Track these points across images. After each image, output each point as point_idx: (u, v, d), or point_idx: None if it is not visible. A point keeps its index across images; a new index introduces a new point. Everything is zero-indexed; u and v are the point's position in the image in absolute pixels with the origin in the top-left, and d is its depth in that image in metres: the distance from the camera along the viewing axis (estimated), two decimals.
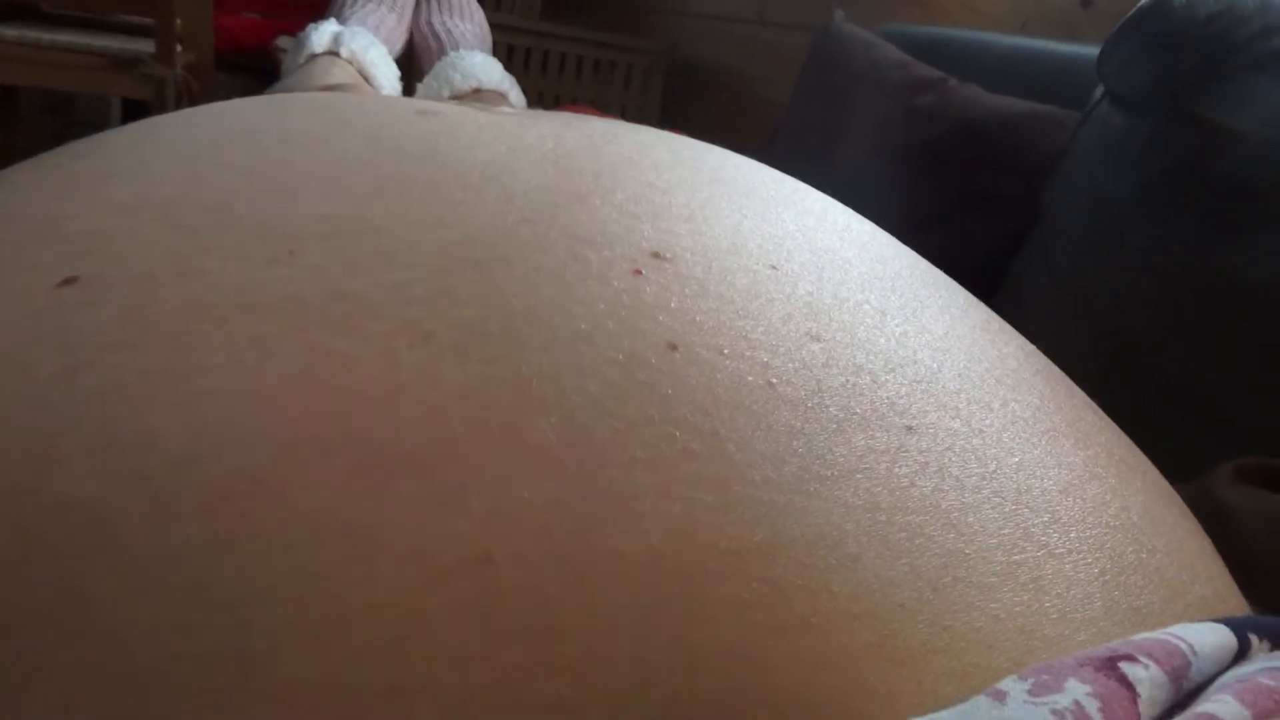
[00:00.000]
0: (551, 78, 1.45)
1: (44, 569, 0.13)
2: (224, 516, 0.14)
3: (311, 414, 0.15)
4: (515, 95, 1.12)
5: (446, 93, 1.05)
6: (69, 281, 0.17)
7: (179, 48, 1.59)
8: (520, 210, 0.20)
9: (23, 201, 0.21)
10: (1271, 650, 0.16)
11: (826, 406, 0.18)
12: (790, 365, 0.18)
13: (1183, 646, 0.15)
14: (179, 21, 1.58)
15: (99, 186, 0.21)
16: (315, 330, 0.16)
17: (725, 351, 0.18)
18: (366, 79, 1.07)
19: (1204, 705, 0.13)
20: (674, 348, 0.17)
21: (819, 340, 0.19)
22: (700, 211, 0.22)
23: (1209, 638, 0.15)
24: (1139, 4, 0.66)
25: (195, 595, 0.13)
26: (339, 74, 1.01)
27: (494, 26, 1.24)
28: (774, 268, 0.21)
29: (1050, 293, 0.68)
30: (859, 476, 0.17)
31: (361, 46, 1.07)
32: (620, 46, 1.40)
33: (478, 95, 1.07)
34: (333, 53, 1.06)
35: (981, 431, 0.19)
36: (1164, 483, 0.25)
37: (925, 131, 0.80)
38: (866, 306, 0.21)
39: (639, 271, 0.19)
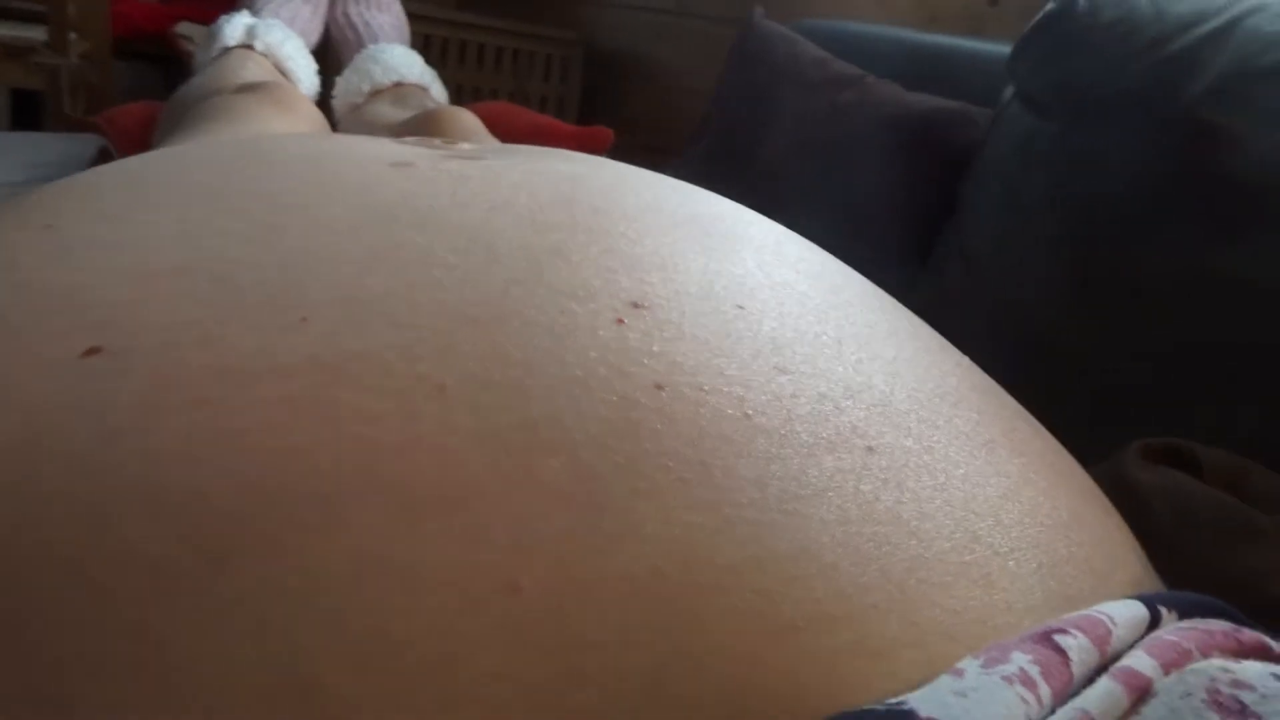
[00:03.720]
0: (470, 69, 1.44)
1: (116, 621, 0.14)
2: (276, 562, 0.15)
3: (345, 465, 0.16)
4: (437, 89, 1.11)
5: (367, 87, 1.04)
6: (94, 351, 0.18)
7: (73, 35, 1.52)
8: (508, 270, 0.21)
9: (27, 269, 0.21)
10: (1179, 620, 0.19)
11: (798, 433, 0.20)
12: (763, 398, 0.20)
13: (1105, 619, 0.17)
14: (72, 7, 1.50)
15: (104, 255, 0.21)
16: (337, 389, 0.17)
17: (705, 388, 0.20)
18: (283, 73, 1.05)
19: (1123, 661, 0.16)
20: (660, 388, 0.19)
21: (786, 373, 0.21)
22: (669, 259, 0.24)
23: (1126, 612, 0.18)
24: (1046, 8, 0.70)
25: (258, 634, 0.14)
26: (254, 69, 0.99)
27: (410, 17, 1.23)
28: (740, 307, 0.23)
29: (967, 283, 0.72)
30: (830, 494, 0.19)
31: (277, 40, 1.04)
32: (538, 36, 1.40)
33: (399, 89, 1.06)
34: (247, 46, 1.03)
35: (931, 448, 0.21)
36: (1088, 481, 0.28)
37: (847, 127, 0.83)
38: (824, 337, 0.23)
39: (621, 320, 0.21)
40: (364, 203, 0.24)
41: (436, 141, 0.35)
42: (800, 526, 0.18)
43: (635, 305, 0.21)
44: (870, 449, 0.20)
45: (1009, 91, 0.74)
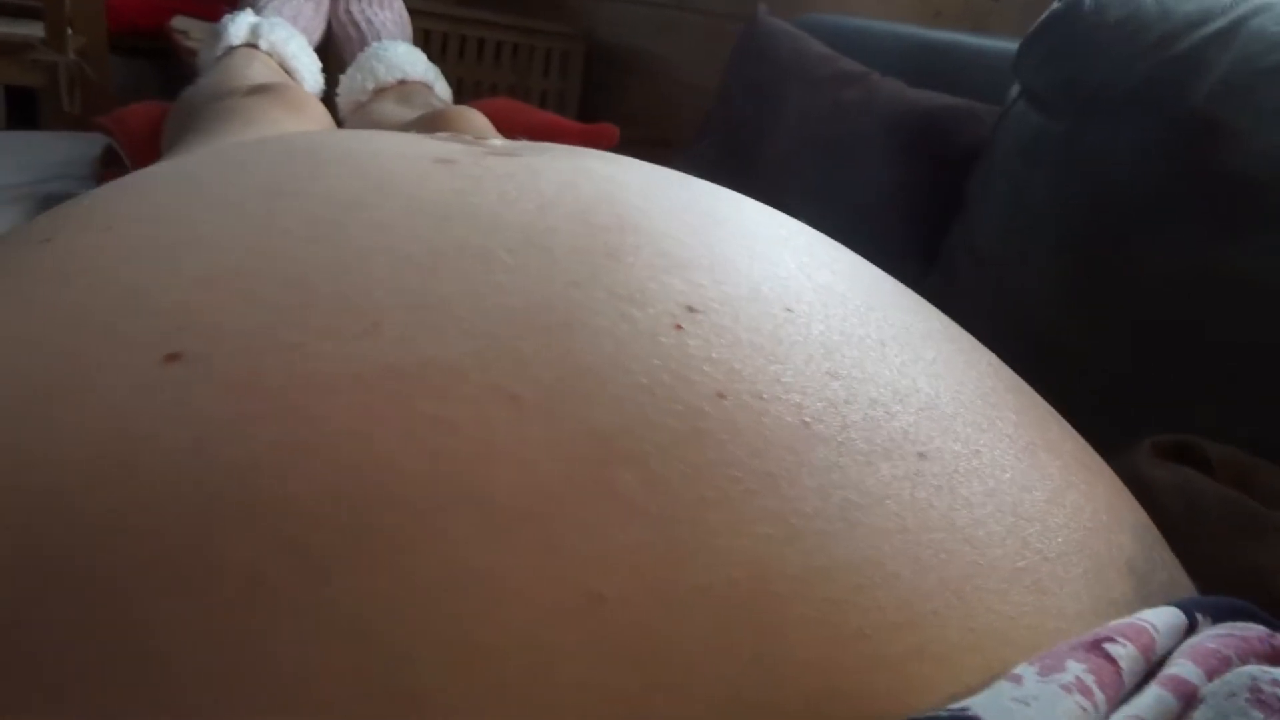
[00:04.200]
0: (470, 63, 1.44)
1: (221, 630, 0.15)
2: (372, 572, 0.15)
3: (428, 476, 0.17)
4: (440, 86, 1.11)
5: (371, 85, 1.04)
6: (174, 357, 0.18)
7: (69, 31, 1.51)
8: (566, 273, 0.22)
9: (95, 271, 0.21)
10: (1214, 624, 0.19)
11: (854, 441, 0.20)
12: (819, 404, 0.20)
13: (1149, 628, 0.18)
14: (68, 2, 1.49)
15: (169, 257, 0.22)
16: (415, 399, 0.18)
17: (764, 396, 0.20)
18: (288, 72, 1.05)
19: (1169, 669, 0.17)
20: (722, 396, 0.20)
21: (838, 378, 0.22)
22: (716, 260, 0.24)
23: (1167, 619, 0.18)
24: (1052, 7, 0.70)
25: (358, 642, 0.15)
26: (259, 68, 0.99)
27: (411, 12, 1.23)
28: (789, 310, 0.23)
29: (975, 280, 0.73)
30: (889, 502, 0.19)
31: (281, 39, 1.04)
32: (539, 31, 1.40)
33: (403, 87, 1.06)
34: (251, 45, 1.03)
35: (978, 452, 0.22)
36: (1116, 480, 0.29)
37: (852, 125, 0.83)
38: (869, 340, 0.24)
39: (679, 326, 0.21)
40: (418, 200, 0.24)
41: (468, 137, 0.35)
42: (863, 536, 0.18)
43: (690, 309, 0.22)
44: (922, 455, 0.21)
45: (1015, 90, 0.74)
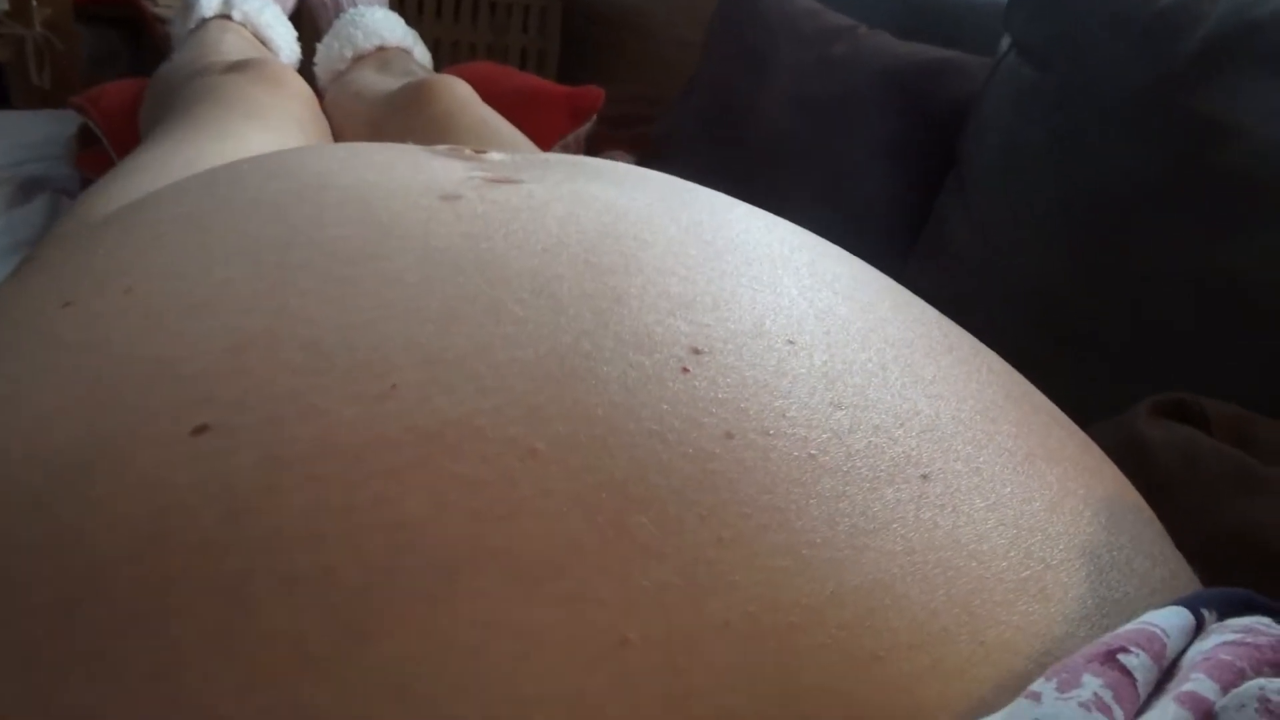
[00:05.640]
0: (447, 24, 1.41)
1: (269, 697, 0.15)
2: (408, 632, 0.16)
3: (457, 536, 0.17)
4: (420, 51, 1.09)
5: (349, 53, 1.02)
6: (202, 430, 0.19)
7: (34, 3, 1.47)
8: (574, 322, 0.22)
9: (121, 342, 0.22)
10: (1220, 619, 0.20)
11: (858, 469, 0.21)
12: (824, 436, 0.21)
13: (1159, 633, 0.18)
14: None
15: (191, 322, 0.22)
16: (439, 460, 0.18)
17: (770, 432, 0.21)
18: (262, 42, 1.03)
19: (1186, 685, 0.17)
20: (730, 436, 0.20)
21: (841, 408, 0.22)
22: (719, 296, 0.25)
23: (1175, 620, 0.19)
24: None
25: (400, 701, 0.15)
26: (234, 41, 0.97)
27: None
28: (791, 342, 0.24)
29: (969, 236, 0.72)
30: (895, 526, 0.20)
31: (254, 9, 1.02)
32: None
33: (382, 54, 1.04)
34: (224, 15, 1.01)
35: (979, 469, 0.23)
36: (1118, 475, 0.30)
37: (841, 81, 0.82)
38: (870, 364, 0.24)
39: (686, 370, 0.22)
40: (425, 248, 0.25)
41: (467, 151, 0.35)
42: (871, 560, 0.19)
43: (696, 351, 0.22)
44: (925, 476, 0.21)
45: (1006, 42, 0.73)
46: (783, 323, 0.24)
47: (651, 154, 0.99)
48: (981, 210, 0.71)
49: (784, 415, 0.21)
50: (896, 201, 0.80)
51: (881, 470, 0.21)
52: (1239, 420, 0.50)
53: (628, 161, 1.02)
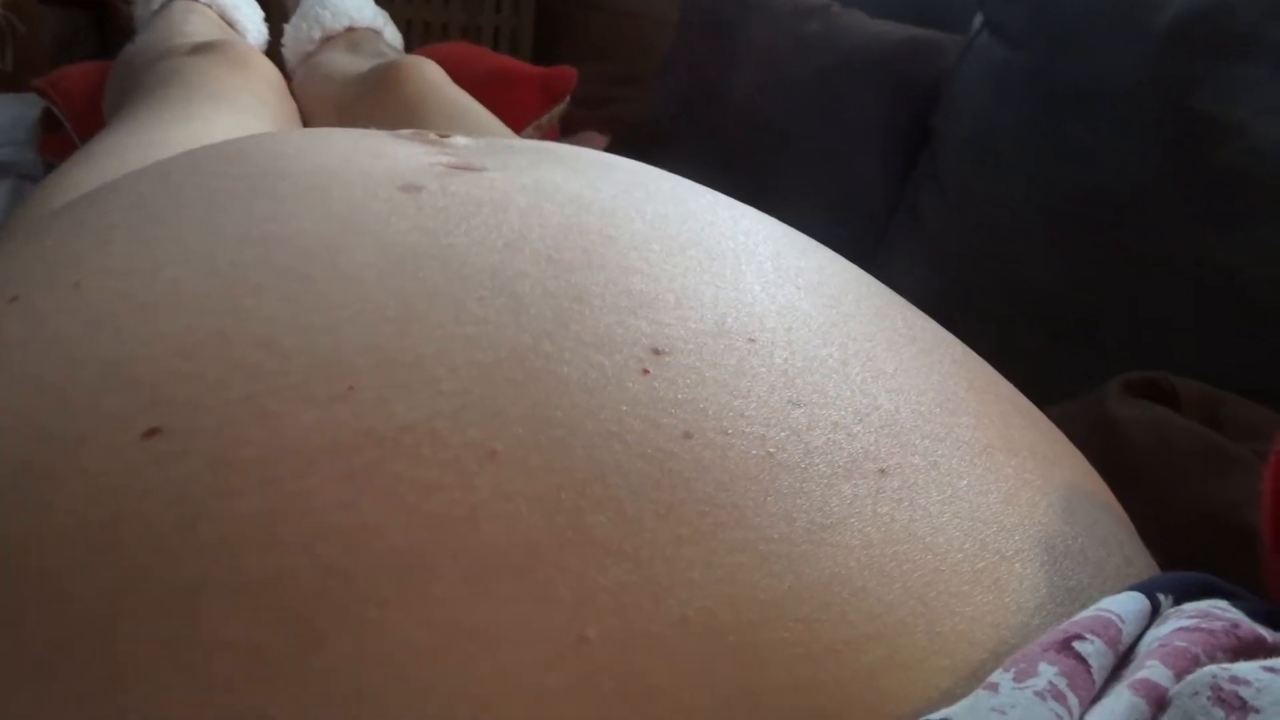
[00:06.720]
0: (418, 4, 1.39)
1: (219, 705, 0.15)
2: (363, 637, 0.16)
3: (414, 539, 0.17)
4: (390, 32, 1.08)
5: (318, 34, 1.00)
6: (154, 432, 0.19)
7: None
8: (534, 322, 0.22)
9: (69, 341, 0.21)
10: (1176, 603, 0.20)
11: (816, 465, 0.21)
12: (781, 434, 0.21)
13: (1114, 619, 0.19)
14: None
15: (142, 321, 0.21)
16: (395, 462, 0.18)
17: (729, 432, 0.21)
18: (229, 23, 1.01)
19: (1141, 672, 0.17)
20: (689, 436, 0.20)
21: (800, 405, 0.22)
22: (681, 294, 0.25)
23: (1131, 606, 0.19)
24: None
25: (353, 706, 0.15)
26: (199, 22, 0.95)
27: None
28: (752, 340, 0.24)
29: (943, 214, 0.73)
30: (852, 520, 0.20)
31: None
32: None
33: (351, 35, 1.02)
34: None
35: (936, 463, 0.23)
36: (1078, 462, 0.30)
37: (814, 60, 0.82)
38: (831, 360, 0.24)
39: (647, 371, 0.22)
40: (384, 244, 0.24)
41: (431, 135, 0.35)
42: (829, 555, 0.19)
43: (656, 352, 0.22)
44: (882, 471, 0.22)
45: (978, 21, 0.73)
46: (744, 320, 0.24)
47: (627, 135, 0.98)
48: (954, 190, 0.71)
49: (743, 414, 0.21)
50: (873, 181, 0.80)
51: (839, 466, 0.21)
52: (1208, 398, 0.51)
53: (601, 142, 1.01)
